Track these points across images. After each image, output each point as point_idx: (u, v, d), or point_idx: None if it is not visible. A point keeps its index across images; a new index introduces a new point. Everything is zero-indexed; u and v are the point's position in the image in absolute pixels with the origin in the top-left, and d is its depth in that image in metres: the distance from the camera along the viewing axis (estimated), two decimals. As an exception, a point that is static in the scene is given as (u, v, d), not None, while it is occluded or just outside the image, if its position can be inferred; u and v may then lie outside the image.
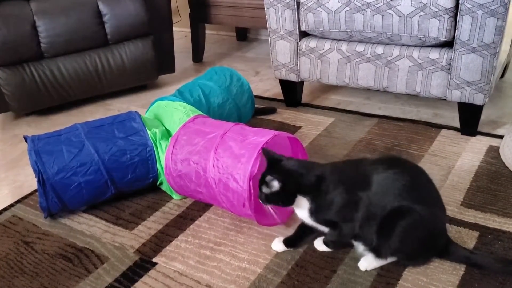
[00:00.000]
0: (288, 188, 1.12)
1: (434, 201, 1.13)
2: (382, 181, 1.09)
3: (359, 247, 1.17)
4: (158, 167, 1.51)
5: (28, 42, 2.10)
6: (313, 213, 1.13)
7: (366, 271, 1.16)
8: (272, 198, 1.13)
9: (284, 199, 1.13)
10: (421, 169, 1.16)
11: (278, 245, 1.26)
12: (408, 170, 1.13)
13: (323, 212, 1.12)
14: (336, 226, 1.14)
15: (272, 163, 1.15)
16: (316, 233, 1.24)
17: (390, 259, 1.16)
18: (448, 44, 1.63)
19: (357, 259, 1.19)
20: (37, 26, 2.11)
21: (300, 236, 1.26)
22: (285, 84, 2.09)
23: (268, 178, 1.11)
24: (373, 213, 1.09)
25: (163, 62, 2.50)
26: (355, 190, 1.09)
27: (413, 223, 1.07)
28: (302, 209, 1.15)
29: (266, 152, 1.17)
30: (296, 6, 1.84)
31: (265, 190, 1.13)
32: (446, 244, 1.16)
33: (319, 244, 1.25)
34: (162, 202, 1.54)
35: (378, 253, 1.14)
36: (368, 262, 1.16)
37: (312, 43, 1.89)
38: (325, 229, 1.18)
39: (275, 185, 1.11)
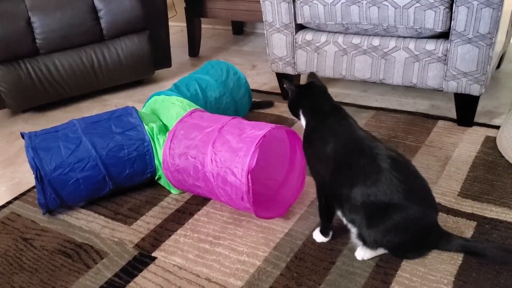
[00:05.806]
0: (293, 101, 1.29)
1: (426, 199, 1.13)
2: (375, 165, 1.09)
3: (352, 230, 1.16)
4: (156, 162, 1.51)
5: (23, 39, 2.09)
6: (304, 141, 1.25)
7: (364, 261, 1.17)
8: (289, 104, 1.32)
9: (292, 107, 1.31)
10: (413, 166, 1.16)
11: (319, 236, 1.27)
12: (404, 166, 1.13)
13: (307, 146, 1.24)
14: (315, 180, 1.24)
15: (310, 83, 1.31)
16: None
17: (382, 250, 1.17)
18: (444, 35, 1.63)
19: (355, 250, 1.19)
20: (32, 22, 2.10)
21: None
22: (281, 77, 2.09)
23: (286, 84, 1.30)
24: (358, 190, 1.09)
25: (159, 57, 2.49)
26: (336, 149, 1.15)
27: (401, 222, 1.08)
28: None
29: (311, 75, 1.33)
30: (291, -1, 1.84)
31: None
32: (438, 238, 1.16)
33: (317, 235, 1.26)
34: (160, 197, 1.54)
35: (364, 241, 1.14)
36: (364, 251, 1.17)
37: (309, 36, 1.88)
38: None
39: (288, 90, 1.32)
